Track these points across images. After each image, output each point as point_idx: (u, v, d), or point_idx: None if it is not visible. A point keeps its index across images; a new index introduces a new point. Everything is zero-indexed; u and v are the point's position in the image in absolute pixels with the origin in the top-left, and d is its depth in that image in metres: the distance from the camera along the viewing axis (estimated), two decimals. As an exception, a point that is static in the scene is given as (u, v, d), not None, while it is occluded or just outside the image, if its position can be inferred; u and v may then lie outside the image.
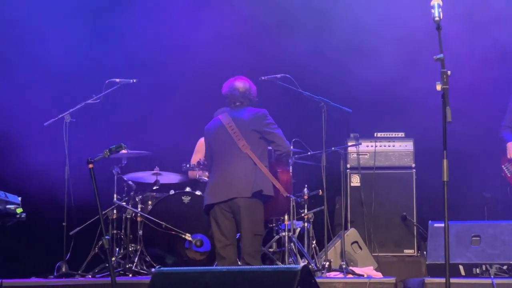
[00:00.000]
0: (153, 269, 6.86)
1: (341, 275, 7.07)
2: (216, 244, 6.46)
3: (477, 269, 6.46)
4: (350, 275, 7.06)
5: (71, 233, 7.64)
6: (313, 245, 7.77)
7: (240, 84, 6.62)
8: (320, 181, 7.31)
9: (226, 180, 6.39)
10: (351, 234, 8.13)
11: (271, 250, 7.68)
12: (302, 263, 7.21)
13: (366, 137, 8.77)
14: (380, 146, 8.77)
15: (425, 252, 7.25)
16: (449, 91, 4.54)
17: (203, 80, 9.03)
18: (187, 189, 7.71)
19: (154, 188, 8.06)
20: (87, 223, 7.73)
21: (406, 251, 8.51)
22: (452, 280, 4.67)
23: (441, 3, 4.70)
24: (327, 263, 7.21)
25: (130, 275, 7.36)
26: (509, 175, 8.08)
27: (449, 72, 4.57)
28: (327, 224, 7.34)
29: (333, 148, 7.92)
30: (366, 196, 8.61)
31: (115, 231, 7.82)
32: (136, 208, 7.71)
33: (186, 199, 7.62)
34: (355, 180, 8.71)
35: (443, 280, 4.62)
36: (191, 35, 8.97)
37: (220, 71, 8.27)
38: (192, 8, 9.04)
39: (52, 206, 8.05)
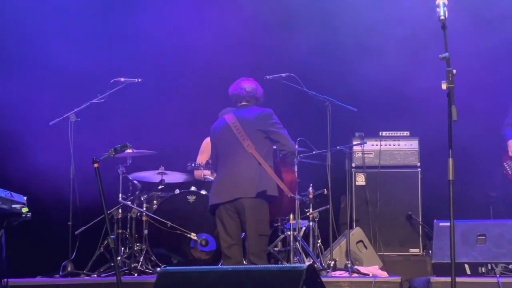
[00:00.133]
0: (158, 269, 6.89)
1: (346, 274, 7.07)
2: (221, 243, 6.46)
3: (483, 268, 6.46)
4: (355, 274, 7.06)
5: (76, 232, 7.64)
6: (318, 244, 7.76)
7: (247, 84, 6.64)
8: (325, 180, 7.31)
9: (230, 180, 6.39)
10: (356, 233, 8.13)
11: (276, 249, 7.68)
12: (307, 262, 7.21)
13: (371, 136, 8.76)
14: (385, 145, 8.77)
15: (430, 251, 7.24)
16: (454, 90, 4.54)
17: (207, 79, 9.04)
18: (193, 188, 7.71)
19: (159, 187, 8.05)
20: (92, 223, 7.74)
21: (411, 250, 8.50)
22: (458, 279, 4.66)
23: (446, 2, 4.70)
24: (332, 262, 7.20)
25: (136, 275, 7.37)
26: (510, 173, 8.08)
27: (454, 71, 4.57)
28: (332, 223, 7.33)
29: (338, 147, 7.92)
30: (371, 195, 8.60)
31: (120, 231, 7.82)
32: (142, 207, 7.71)
33: (191, 198, 7.62)
34: (360, 179, 8.71)
35: (448, 279, 4.61)
36: (196, 34, 8.97)
37: (225, 71, 8.30)
38: (197, 7, 9.05)
39: (58, 205, 8.06)
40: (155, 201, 7.82)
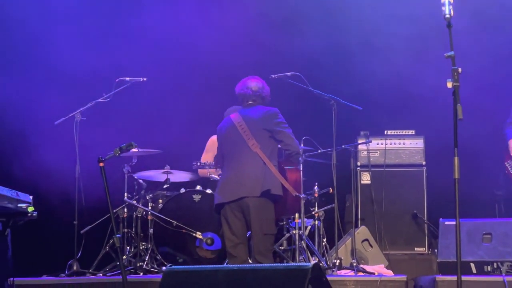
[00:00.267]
0: (164, 268, 6.89)
1: (351, 273, 7.07)
2: (226, 243, 6.46)
3: (489, 267, 6.45)
4: (360, 273, 7.05)
5: (82, 231, 7.64)
6: (323, 243, 7.76)
7: (253, 83, 6.63)
8: (330, 179, 7.31)
9: (235, 179, 6.40)
10: (362, 232, 8.12)
11: (281, 248, 7.67)
12: (312, 261, 7.21)
13: (376, 134, 8.75)
14: (391, 144, 8.76)
15: (436, 250, 7.23)
16: (459, 88, 4.53)
17: (212, 78, 9.04)
18: (198, 187, 7.72)
19: (165, 186, 8.06)
20: (98, 222, 7.75)
21: (417, 249, 8.48)
22: (464, 278, 4.65)
23: (451, 1, 4.69)
24: (338, 261, 7.20)
25: (141, 274, 7.37)
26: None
27: (460, 70, 4.56)
28: (338, 222, 7.33)
29: (343, 146, 7.91)
30: (376, 194, 8.59)
31: (126, 230, 7.82)
32: (147, 206, 7.72)
33: (196, 197, 7.63)
34: (366, 178, 8.70)
35: (454, 278, 4.61)
36: (201, 33, 8.97)
37: (230, 70, 8.30)
38: (202, 7, 9.05)
39: (63, 204, 8.08)
40: (160, 200, 7.82)
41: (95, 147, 7.25)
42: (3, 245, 5.53)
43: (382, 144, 8.74)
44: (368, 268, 7.32)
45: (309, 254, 7.40)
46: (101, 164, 5.37)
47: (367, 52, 8.72)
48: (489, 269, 6.43)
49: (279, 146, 6.61)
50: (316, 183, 7.76)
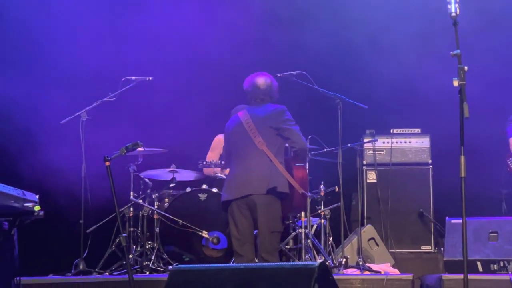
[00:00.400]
0: (170, 267, 6.90)
1: (358, 271, 7.06)
2: (233, 242, 6.46)
3: (495, 265, 6.44)
4: (367, 272, 7.04)
5: (88, 230, 7.64)
6: (329, 242, 7.76)
7: (261, 80, 6.61)
8: (336, 178, 7.31)
9: (242, 177, 6.40)
10: (368, 230, 8.11)
11: (287, 247, 7.67)
12: (318, 259, 7.20)
13: (382, 133, 8.74)
14: (397, 143, 8.75)
15: (442, 249, 7.23)
16: (466, 87, 4.52)
17: (218, 77, 9.05)
18: (204, 186, 7.72)
19: (171, 185, 8.06)
20: (104, 221, 7.75)
21: (423, 247, 8.47)
22: (470, 277, 4.64)
23: (457, -1, 4.69)
24: (344, 259, 7.19)
25: (147, 273, 7.37)
26: None
27: (466, 68, 4.55)
28: (344, 221, 7.32)
29: (349, 145, 7.91)
30: (382, 192, 8.58)
31: (132, 229, 7.83)
32: (153, 205, 7.73)
33: (202, 196, 7.63)
34: (372, 177, 8.69)
35: (460, 276, 4.61)
36: (206, 32, 8.97)
37: (235, 68, 8.30)
38: (207, 5, 9.05)
39: (69, 204, 8.08)
40: (166, 199, 7.83)
41: (101, 146, 7.27)
42: (10, 244, 5.53)
43: (388, 142, 8.73)
44: (374, 267, 7.31)
45: (315, 253, 7.40)
46: (107, 163, 5.37)
47: (373, 50, 8.71)
48: (495, 268, 6.43)
49: (286, 144, 6.60)
50: (322, 182, 7.77)
